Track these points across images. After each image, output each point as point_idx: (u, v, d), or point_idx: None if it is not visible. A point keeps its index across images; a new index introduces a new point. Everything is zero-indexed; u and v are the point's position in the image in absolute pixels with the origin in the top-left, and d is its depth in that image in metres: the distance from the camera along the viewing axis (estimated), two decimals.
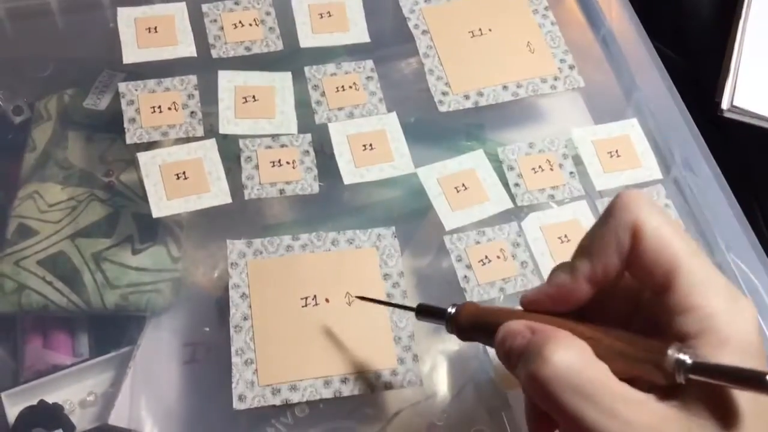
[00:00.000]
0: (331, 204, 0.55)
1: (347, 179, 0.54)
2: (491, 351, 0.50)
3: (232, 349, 0.47)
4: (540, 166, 0.57)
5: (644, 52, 0.63)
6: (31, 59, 0.62)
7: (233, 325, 0.48)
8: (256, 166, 0.54)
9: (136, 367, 0.51)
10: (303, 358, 0.48)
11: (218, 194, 0.53)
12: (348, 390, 0.47)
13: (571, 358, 0.32)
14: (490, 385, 0.50)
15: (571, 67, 0.61)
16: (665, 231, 0.34)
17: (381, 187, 0.56)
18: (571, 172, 0.57)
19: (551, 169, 0.56)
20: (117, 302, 0.52)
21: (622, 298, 0.37)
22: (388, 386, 0.48)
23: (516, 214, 0.55)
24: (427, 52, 0.60)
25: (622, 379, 0.33)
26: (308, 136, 0.55)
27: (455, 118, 0.59)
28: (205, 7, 0.59)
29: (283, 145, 0.55)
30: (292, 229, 0.54)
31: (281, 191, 0.53)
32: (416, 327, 0.50)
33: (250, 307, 0.49)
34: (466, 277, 0.52)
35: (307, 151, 0.55)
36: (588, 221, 0.55)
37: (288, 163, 0.54)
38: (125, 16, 0.58)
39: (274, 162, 0.54)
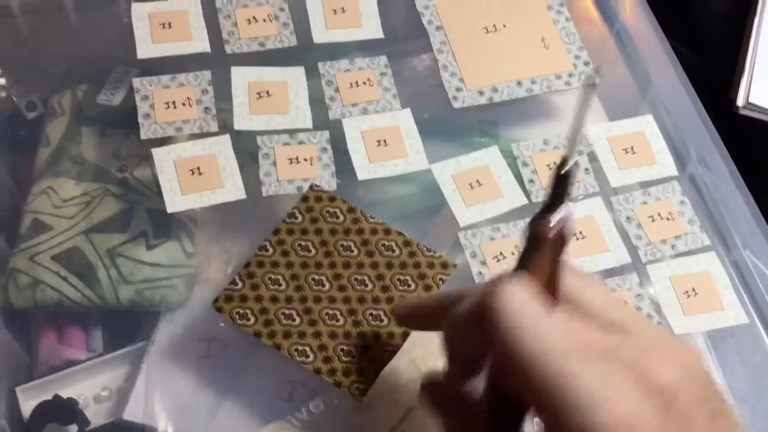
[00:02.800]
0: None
1: (361, 175, 0.54)
2: None
3: None
4: (554, 163, 0.56)
5: (659, 48, 0.63)
6: (45, 55, 0.62)
7: None
8: (274, 163, 0.54)
9: (150, 363, 0.51)
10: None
11: (232, 190, 0.53)
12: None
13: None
14: None
15: (586, 64, 0.60)
16: None
17: (395, 183, 0.56)
18: (586, 169, 0.56)
19: None
20: (131, 298, 0.52)
21: None
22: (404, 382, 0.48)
23: (531, 210, 0.55)
24: (441, 47, 0.60)
25: None
26: (326, 133, 0.55)
27: (469, 115, 0.59)
28: (218, 3, 0.59)
29: (300, 142, 0.55)
30: None
31: (299, 188, 0.53)
32: None
33: None
34: (480, 273, 0.52)
35: (325, 148, 0.55)
36: (603, 218, 0.55)
37: (306, 160, 0.54)
38: (139, 12, 0.58)
39: (291, 159, 0.54)
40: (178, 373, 0.51)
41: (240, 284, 0.49)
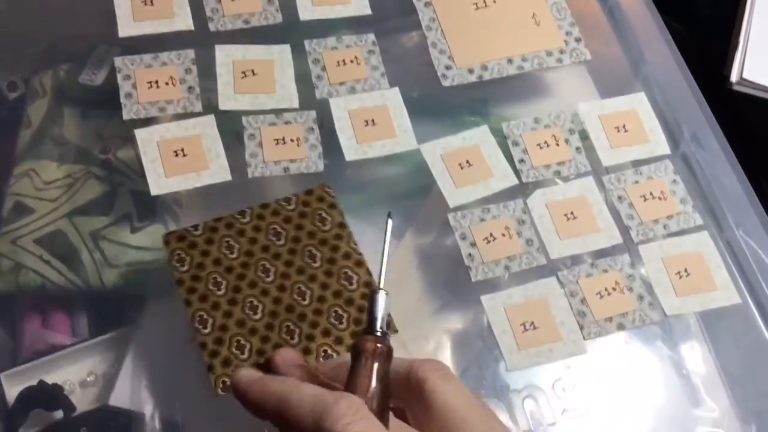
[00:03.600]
0: (333, 181, 0.54)
1: (349, 156, 0.53)
2: (497, 330, 0.49)
3: None
4: (546, 142, 0.55)
5: (652, 24, 0.62)
6: (26, 34, 0.60)
7: None
8: (260, 144, 0.52)
9: (136, 347, 0.50)
10: None
11: (218, 171, 0.52)
12: None
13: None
14: (495, 364, 0.50)
15: (578, 40, 0.59)
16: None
17: (383, 163, 0.55)
18: (578, 148, 0.56)
19: (557, 145, 0.55)
20: (116, 281, 0.52)
21: None
22: None
23: (521, 190, 0.54)
24: (430, 24, 0.59)
25: None
26: (312, 113, 0.54)
27: (459, 93, 0.57)
28: None
29: (287, 122, 0.54)
30: None
31: (285, 169, 0.52)
32: (420, 307, 0.49)
33: None
34: (470, 255, 0.51)
35: (312, 128, 0.54)
36: (594, 198, 0.54)
37: (292, 140, 0.53)
38: None
39: (278, 140, 0.53)
40: (165, 357, 0.50)
41: (199, 232, 0.48)
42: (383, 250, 0.39)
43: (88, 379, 0.51)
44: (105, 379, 0.50)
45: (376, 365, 0.36)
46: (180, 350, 0.50)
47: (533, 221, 0.53)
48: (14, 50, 0.61)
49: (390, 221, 0.39)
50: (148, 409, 0.48)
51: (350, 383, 0.36)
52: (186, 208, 0.54)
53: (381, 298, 0.37)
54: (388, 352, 0.37)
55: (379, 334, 0.37)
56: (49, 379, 0.49)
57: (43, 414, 0.49)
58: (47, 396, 0.49)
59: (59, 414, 0.49)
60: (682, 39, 0.62)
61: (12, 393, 0.49)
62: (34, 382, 0.49)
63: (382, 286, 0.38)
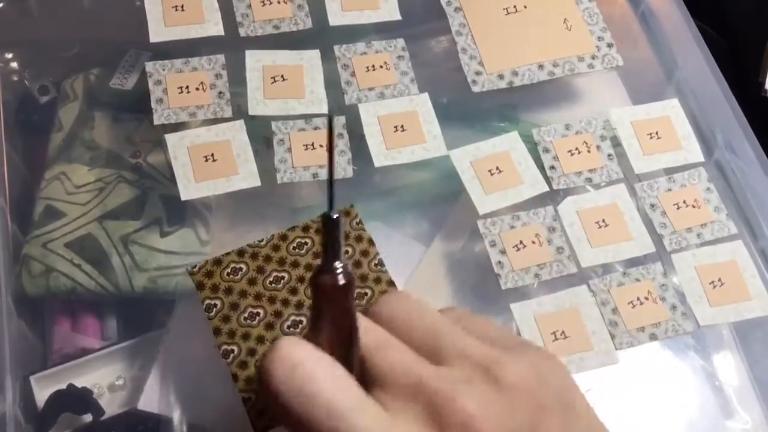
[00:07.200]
0: (361, 186, 0.54)
1: (378, 161, 0.53)
2: (523, 330, 0.49)
3: None
4: (577, 149, 0.55)
5: (685, 29, 0.61)
6: (57, 38, 0.61)
7: None
8: (289, 149, 0.52)
9: (165, 352, 0.50)
10: None
11: (247, 177, 0.52)
12: None
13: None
14: None
15: (610, 45, 0.59)
16: None
17: (412, 169, 0.55)
18: (609, 155, 0.55)
19: (588, 152, 0.55)
20: (145, 285, 0.52)
21: None
22: None
23: (552, 197, 0.53)
24: (460, 30, 0.59)
25: None
26: (342, 119, 0.54)
27: (489, 99, 0.57)
28: None
29: (316, 128, 0.53)
30: (321, 212, 0.53)
31: (315, 175, 0.52)
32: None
33: None
34: (500, 262, 0.51)
35: (341, 134, 0.53)
36: (626, 205, 0.53)
37: (322, 146, 0.53)
38: None
39: (307, 145, 0.52)
40: (194, 362, 0.50)
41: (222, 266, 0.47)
42: (330, 161, 0.32)
43: (117, 382, 0.51)
44: (134, 382, 0.51)
45: (332, 301, 0.32)
46: (208, 355, 0.50)
47: (564, 229, 0.52)
48: (45, 54, 0.61)
49: (333, 121, 0.32)
50: (176, 413, 0.48)
51: (310, 324, 0.33)
52: (215, 213, 0.55)
53: (335, 224, 0.32)
54: (346, 285, 0.32)
55: (338, 267, 0.32)
56: (79, 383, 0.50)
57: (72, 417, 0.49)
58: (76, 399, 0.49)
59: (88, 417, 0.49)
60: (716, 45, 0.61)
61: (42, 396, 0.49)
62: (63, 386, 0.49)
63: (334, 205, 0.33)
